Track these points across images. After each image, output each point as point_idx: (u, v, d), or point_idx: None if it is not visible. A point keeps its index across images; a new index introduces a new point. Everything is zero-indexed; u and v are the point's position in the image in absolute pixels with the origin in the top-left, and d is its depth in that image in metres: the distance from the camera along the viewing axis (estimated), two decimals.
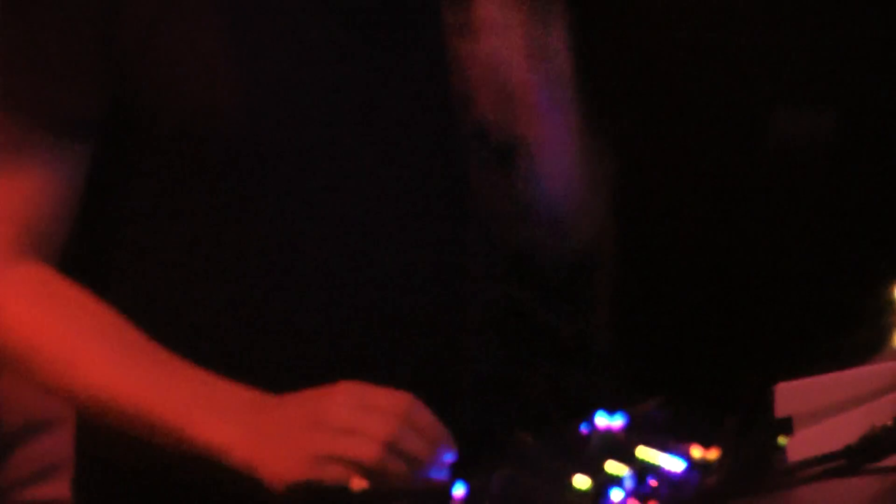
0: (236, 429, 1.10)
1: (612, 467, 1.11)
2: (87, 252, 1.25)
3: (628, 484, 1.08)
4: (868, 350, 1.13)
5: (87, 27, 1.16)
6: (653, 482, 1.09)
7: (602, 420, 1.20)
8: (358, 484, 1.05)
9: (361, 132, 1.22)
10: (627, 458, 1.14)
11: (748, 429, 1.18)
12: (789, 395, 1.03)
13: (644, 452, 1.14)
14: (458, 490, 1.06)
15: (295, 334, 1.22)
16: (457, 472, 1.09)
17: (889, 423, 0.92)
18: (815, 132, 1.62)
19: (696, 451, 1.15)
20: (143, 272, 1.24)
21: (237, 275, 1.22)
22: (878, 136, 1.60)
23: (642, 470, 1.10)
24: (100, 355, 1.15)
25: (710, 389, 1.30)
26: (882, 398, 0.96)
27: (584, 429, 1.19)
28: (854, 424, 0.96)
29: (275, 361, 1.21)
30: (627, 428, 1.19)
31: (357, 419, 1.08)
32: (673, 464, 1.13)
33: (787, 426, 1.02)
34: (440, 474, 1.09)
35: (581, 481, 1.08)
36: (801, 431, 1.02)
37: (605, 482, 1.08)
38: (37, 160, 1.18)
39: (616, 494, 1.06)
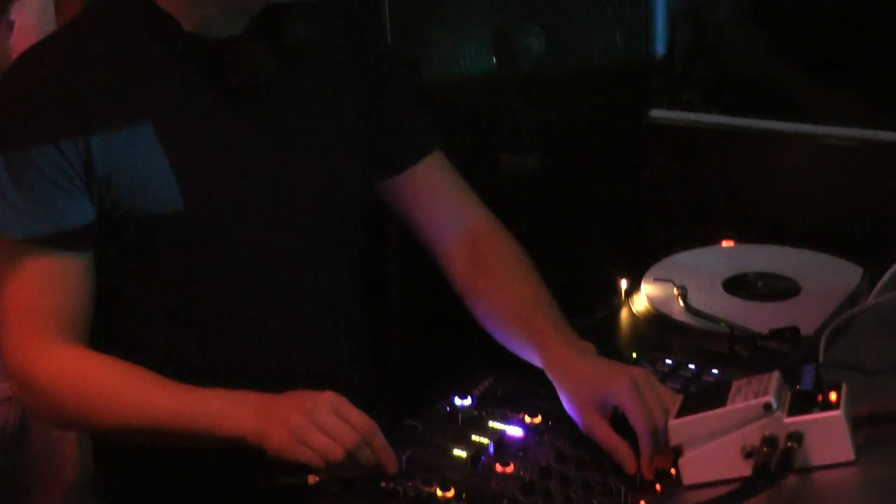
0: (251, 420, 1.52)
1: (477, 437, 1.59)
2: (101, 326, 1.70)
3: (491, 450, 1.57)
4: None
5: (72, 164, 1.57)
6: (507, 445, 1.57)
7: (459, 401, 1.68)
8: (313, 479, 1.49)
9: (270, 216, 1.68)
10: (484, 428, 1.61)
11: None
12: (679, 429, 1.34)
13: (494, 424, 1.62)
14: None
15: (245, 361, 1.71)
16: None
17: (757, 444, 1.24)
18: None
19: (527, 418, 1.65)
20: (139, 336, 1.71)
21: (202, 326, 1.69)
22: None
23: (498, 438, 1.59)
24: (140, 390, 1.59)
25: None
26: (746, 427, 1.27)
27: (447, 408, 1.67)
28: (731, 446, 1.26)
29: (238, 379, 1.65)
30: (477, 405, 1.68)
31: (334, 424, 1.50)
32: (514, 430, 1.62)
33: (679, 452, 1.35)
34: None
35: (459, 452, 1.56)
36: (690, 452, 1.32)
37: (475, 451, 1.55)
38: (65, 269, 1.60)
39: (484, 459, 1.55)
